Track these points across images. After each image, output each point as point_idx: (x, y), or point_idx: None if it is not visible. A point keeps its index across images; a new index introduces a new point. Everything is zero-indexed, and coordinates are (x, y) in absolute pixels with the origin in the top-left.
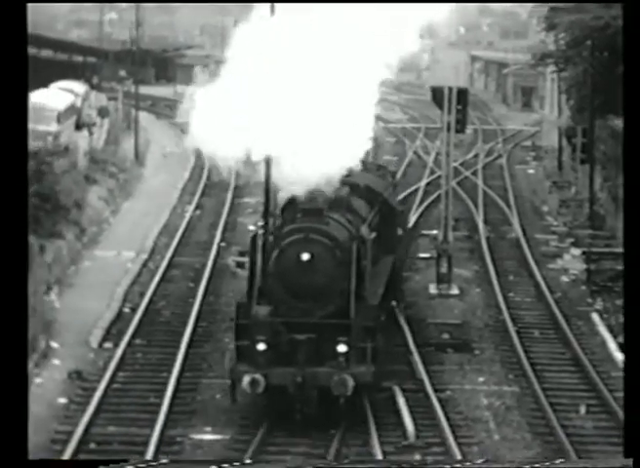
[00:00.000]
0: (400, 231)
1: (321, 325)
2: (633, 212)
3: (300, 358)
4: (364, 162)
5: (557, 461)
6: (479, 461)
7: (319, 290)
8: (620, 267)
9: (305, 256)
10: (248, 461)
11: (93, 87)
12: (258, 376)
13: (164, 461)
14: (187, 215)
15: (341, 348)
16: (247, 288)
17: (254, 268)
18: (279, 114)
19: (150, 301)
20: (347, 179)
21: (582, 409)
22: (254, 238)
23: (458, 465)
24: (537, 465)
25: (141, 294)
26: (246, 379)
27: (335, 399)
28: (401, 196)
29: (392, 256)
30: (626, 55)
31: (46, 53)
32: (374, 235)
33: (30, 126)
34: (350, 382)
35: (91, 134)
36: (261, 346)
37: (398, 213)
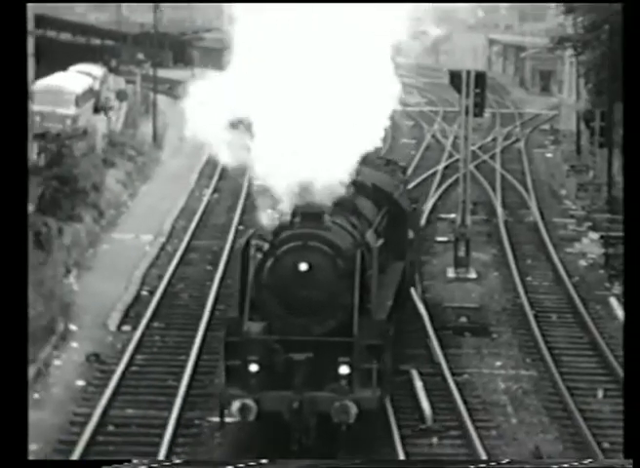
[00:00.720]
0: (411, 234)
1: (321, 343)
2: (633, 211)
3: (296, 381)
4: (365, 158)
5: (557, 462)
6: (504, 461)
7: (318, 303)
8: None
9: (303, 266)
10: (263, 461)
11: (111, 70)
12: (249, 402)
13: (166, 462)
14: (205, 199)
15: (343, 370)
16: (238, 300)
17: (245, 279)
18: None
19: (168, 284)
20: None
21: (600, 394)
22: (246, 244)
23: (482, 465)
24: (554, 466)
25: (160, 277)
26: (235, 405)
27: (336, 426)
28: (419, 179)
29: (402, 263)
30: (626, 54)
31: (65, 36)
32: (381, 241)
33: (49, 109)
34: (353, 409)
35: (108, 117)
36: (254, 367)
37: (409, 214)
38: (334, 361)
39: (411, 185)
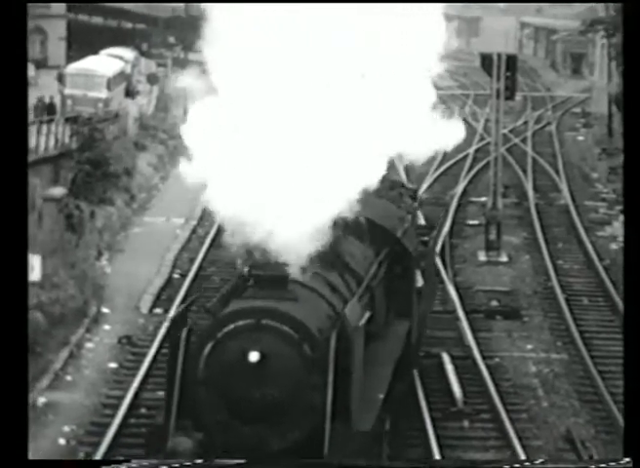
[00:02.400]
0: (421, 280)
1: (280, 463)
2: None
3: None
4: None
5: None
6: (537, 462)
7: (277, 407)
8: None
9: (254, 356)
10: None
11: (142, 53)
12: None
13: (166, 462)
14: None
15: None
16: (165, 401)
17: (174, 370)
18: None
19: (200, 267)
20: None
21: None
22: (178, 318)
23: (517, 465)
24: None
25: (191, 260)
26: None
27: None
28: (450, 163)
29: (407, 322)
30: (626, 54)
31: (96, 19)
32: (367, 316)
33: (81, 92)
34: None
35: (135, 99)
36: None
37: (419, 256)
38: None
39: (442, 168)
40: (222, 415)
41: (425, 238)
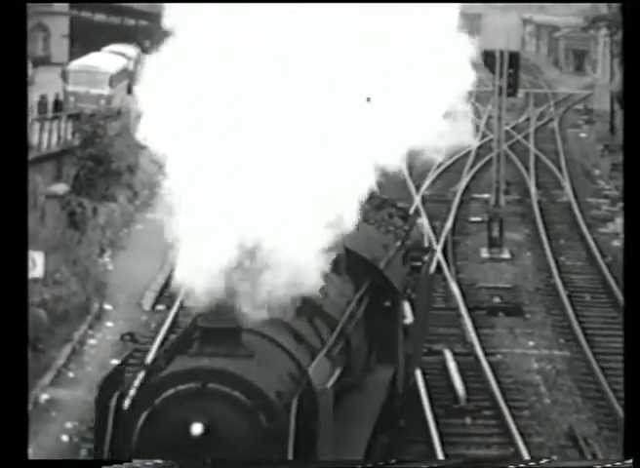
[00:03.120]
0: (409, 318)
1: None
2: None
3: None
4: None
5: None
6: (543, 461)
7: None
8: None
9: (197, 429)
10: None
11: (145, 50)
12: None
13: (166, 462)
14: None
15: None
16: None
17: (101, 442)
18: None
19: None
20: None
21: None
22: (105, 380)
23: (522, 465)
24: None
25: None
26: None
27: None
28: (452, 159)
29: (392, 368)
30: (626, 54)
31: (99, 16)
32: (336, 375)
33: (84, 89)
34: None
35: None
36: None
37: (405, 291)
38: None
39: (445, 165)
40: None
41: (418, 263)
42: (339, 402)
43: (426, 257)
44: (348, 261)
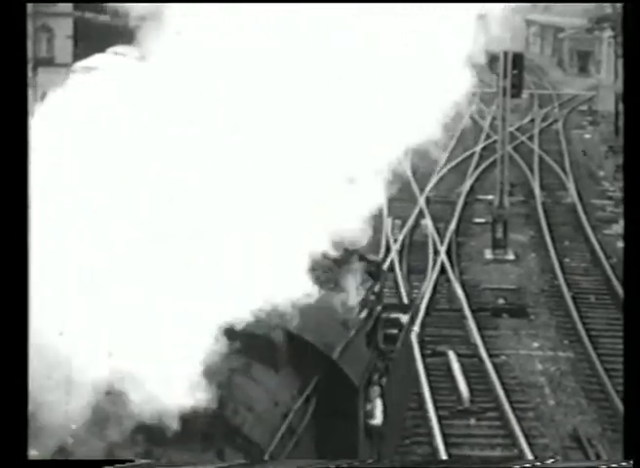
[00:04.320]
0: (379, 417)
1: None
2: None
3: None
4: None
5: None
6: (548, 461)
7: None
8: None
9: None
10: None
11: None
12: None
13: (166, 462)
14: None
15: None
16: None
17: None
18: None
19: None
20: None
21: None
22: None
23: (527, 465)
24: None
25: None
26: None
27: None
28: (456, 161)
29: None
30: (626, 54)
31: (103, 18)
32: None
33: None
34: None
35: None
36: None
37: (369, 383)
38: None
39: (448, 167)
40: None
41: (394, 330)
42: None
43: (405, 319)
44: (290, 349)
